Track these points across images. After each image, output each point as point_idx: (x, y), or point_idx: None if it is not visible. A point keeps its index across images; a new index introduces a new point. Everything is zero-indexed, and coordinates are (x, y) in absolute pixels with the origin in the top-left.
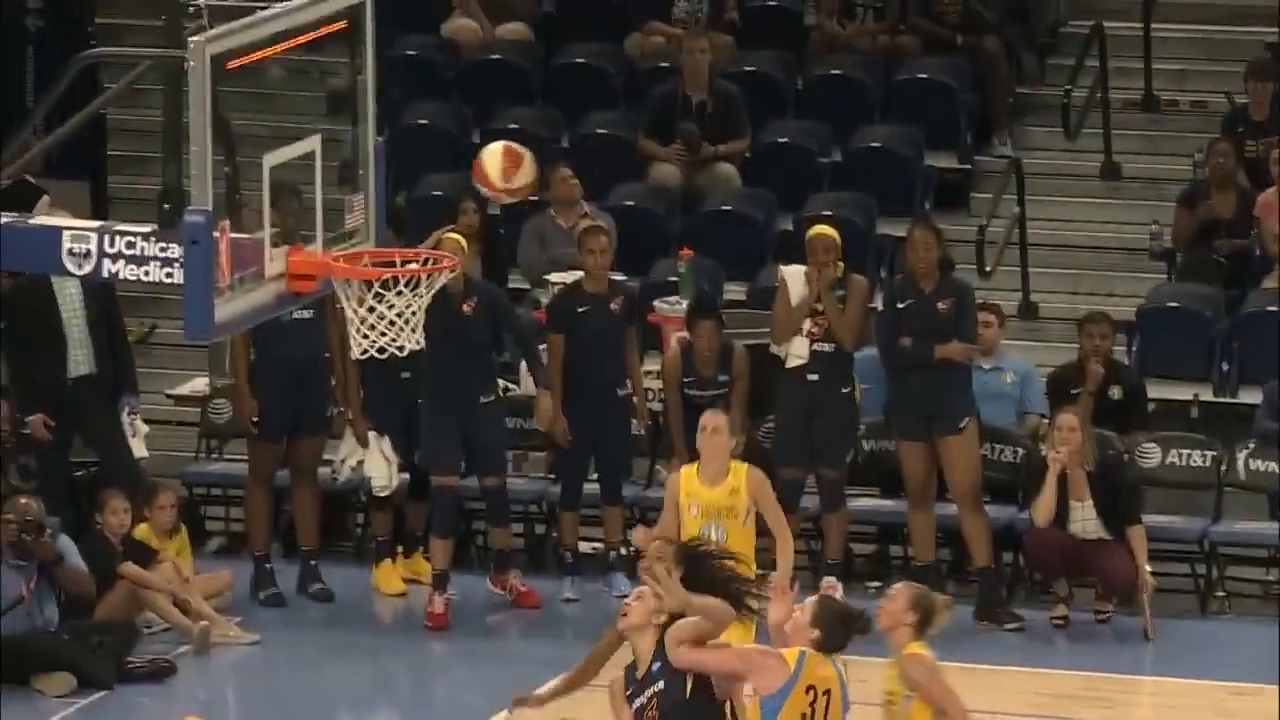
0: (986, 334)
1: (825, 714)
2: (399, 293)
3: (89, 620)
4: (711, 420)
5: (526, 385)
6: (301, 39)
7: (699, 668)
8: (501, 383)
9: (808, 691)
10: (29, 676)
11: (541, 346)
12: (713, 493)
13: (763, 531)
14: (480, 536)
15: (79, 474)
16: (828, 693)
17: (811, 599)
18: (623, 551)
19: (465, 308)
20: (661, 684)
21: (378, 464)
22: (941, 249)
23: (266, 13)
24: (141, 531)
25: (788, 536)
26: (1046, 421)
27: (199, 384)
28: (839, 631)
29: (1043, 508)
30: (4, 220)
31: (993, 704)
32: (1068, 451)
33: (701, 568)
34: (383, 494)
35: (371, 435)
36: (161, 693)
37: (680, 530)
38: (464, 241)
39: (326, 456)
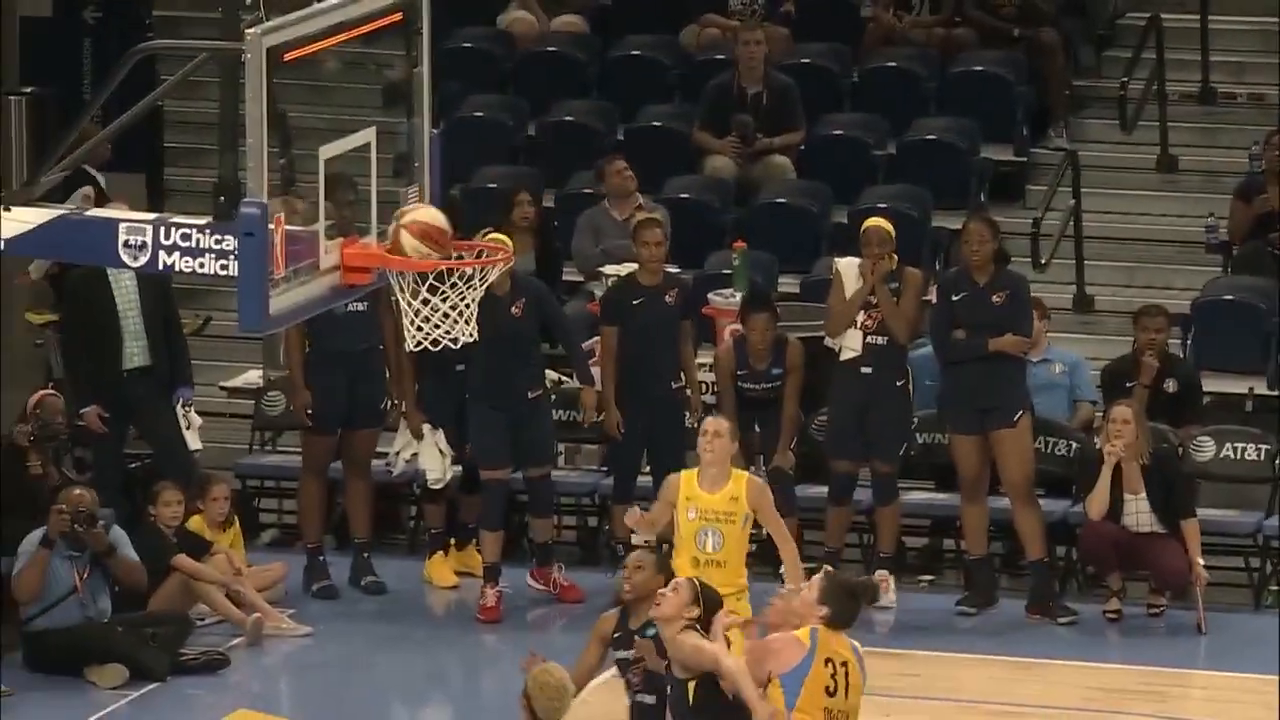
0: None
1: (847, 685)
2: (453, 285)
3: (142, 612)
4: (713, 424)
5: None
6: (357, 31)
7: (730, 683)
8: (555, 375)
9: (827, 664)
10: (81, 668)
11: (595, 339)
12: (712, 498)
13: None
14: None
15: (133, 466)
16: (845, 664)
17: (817, 576)
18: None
19: (514, 310)
20: (668, 687)
21: (432, 457)
22: (996, 241)
23: (323, 5)
24: (195, 523)
25: (792, 548)
26: (1099, 411)
27: (253, 376)
28: (848, 605)
29: (1097, 501)
30: (60, 212)
31: (1045, 698)
32: (1122, 444)
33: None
34: (437, 487)
35: (426, 428)
36: (214, 685)
37: (674, 531)
38: (509, 241)
39: (381, 449)
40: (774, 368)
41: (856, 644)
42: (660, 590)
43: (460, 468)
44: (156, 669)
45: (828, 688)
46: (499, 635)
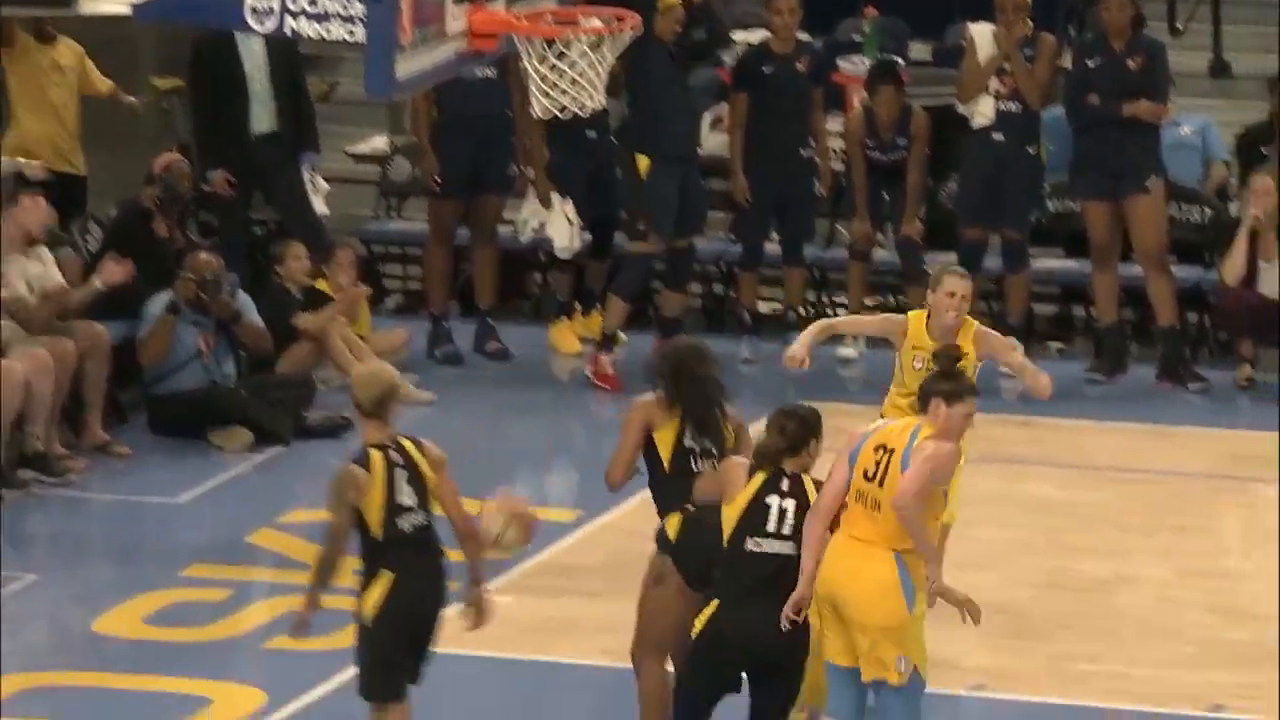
0: None
1: (885, 476)
2: (583, 52)
3: (266, 376)
4: (962, 286)
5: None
6: None
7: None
8: None
9: (876, 450)
10: (205, 431)
11: (722, 105)
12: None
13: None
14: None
15: (258, 231)
16: (892, 453)
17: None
18: (802, 313)
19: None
20: None
21: (560, 226)
22: (1134, 6)
23: None
24: (321, 286)
25: (1031, 369)
26: (1233, 178)
27: (379, 142)
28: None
29: (1233, 266)
30: None
31: (1174, 464)
32: (1263, 212)
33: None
34: (564, 256)
35: (554, 197)
36: (337, 448)
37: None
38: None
39: (508, 216)
40: (899, 137)
41: (910, 447)
42: None
43: (588, 235)
44: (280, 432)
45: (866, 471)
46: (622, 402)
